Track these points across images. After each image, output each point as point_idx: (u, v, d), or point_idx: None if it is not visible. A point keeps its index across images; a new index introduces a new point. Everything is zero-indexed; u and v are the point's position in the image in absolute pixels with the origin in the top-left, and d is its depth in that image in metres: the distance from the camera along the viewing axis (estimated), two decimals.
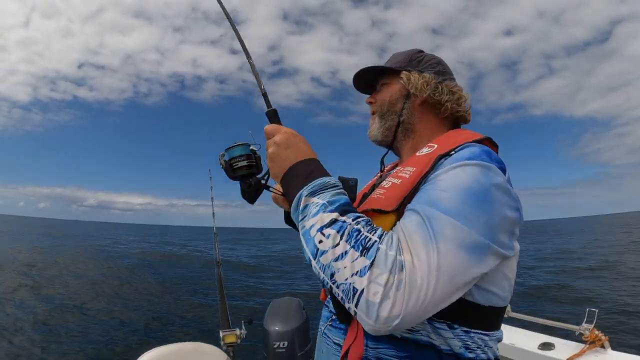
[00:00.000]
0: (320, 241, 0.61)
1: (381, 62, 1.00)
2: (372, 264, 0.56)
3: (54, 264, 13.18)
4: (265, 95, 0.90)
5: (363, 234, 0.59)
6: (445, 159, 0.72)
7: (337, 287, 0.59)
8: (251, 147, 0.88)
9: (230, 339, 2.26)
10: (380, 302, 0.55)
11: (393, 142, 0.95)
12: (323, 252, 0.60)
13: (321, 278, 0.62)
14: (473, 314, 0.69)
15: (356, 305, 0.57)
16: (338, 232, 0.60)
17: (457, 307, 0.63)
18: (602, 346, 1.95)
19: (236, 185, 0.88)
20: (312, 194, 0.67)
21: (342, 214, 0.63)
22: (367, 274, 0.56)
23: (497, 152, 0.79)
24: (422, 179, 0.71)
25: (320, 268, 0.61)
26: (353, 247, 0.58)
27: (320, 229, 0.61)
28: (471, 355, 0.69)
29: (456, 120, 0.94)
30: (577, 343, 2.02)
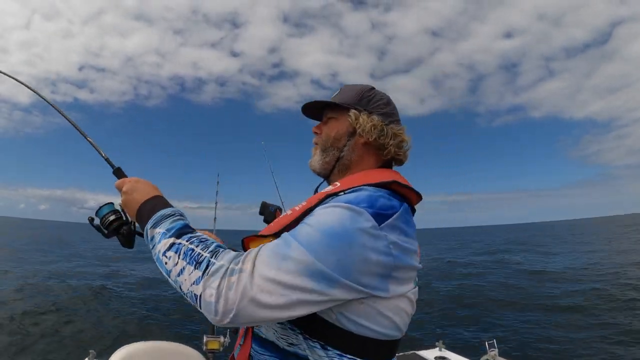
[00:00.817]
0: (166, 263, 0.74)
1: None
2: (203, 273, 0.68)
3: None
4: (107, 159, 1.10)
5: (196, 251, 0.71)
6: (332, 198, 0.79)
7: (186, 296, 0.71)
8: (116, 205, 1.01)
9: (213, 345, 2.25)
10: (216, 301, 0.66)
11: (330, 175, 1.00)
12: (170, 271, 0.73)
13: (178, 292, 0.74)
14: (345, 340, 0.76)
15: (200, 307, 0.69)
16: (176, 252, 0.73)
17: (326, 329, 0.76)
18: None
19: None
20: (155, 225, 0.80)
21: (178, 237, 0.75)
22: (202, 282, 0.67)
23: (401, 191, 0.85)
24: (306, 213, 0.79)
25: (173, 284, 0.74)
26: (188, 263, 0.70)
27: (164, 253, 0.74)
28: None
29: (393, 160, 1.00)
30: None
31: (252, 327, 0.87)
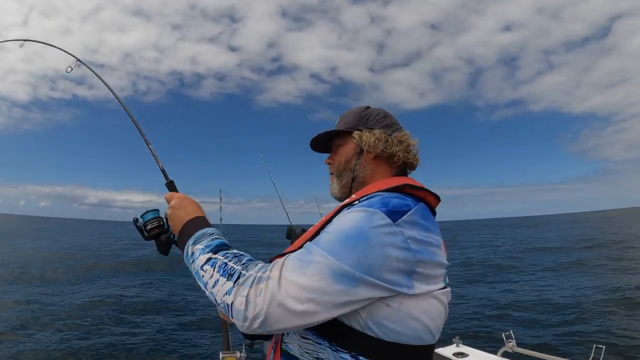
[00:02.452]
0: (203, 276, 0.81)
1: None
2: (234, 284, 0.74)
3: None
4: (163, 170, 1.21)
5: (229, 265, 0.78)
6: (348, 208, 0.83)
7: (220, 307, 0.78)
8: (161, 213, 1.11)
9: None
10: (245, 308, 0.71)
11: (350, 195, 1.02)
12: (206, 284, 0.80)
13: (214, 304, 0.80)
14: (375, 348, 0.76)
15: (232, 316, 0.74)
16: (212, 266, 0.80)
17: (356, 338, 0.76)
18: None
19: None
20: (195, 242, 0.89)
21: (215, 252, 0.83)
22: (233, 292, 0.73)
23: (415, 193, 0.87)
24: (325, 224, 0.83)
25: (210, 296, 0.80)
26: (222, 275, 0.77)
27: (202, 267, 0.82)
28: None
29: (406, 166, 1.04)
30: None
31: (281, 343, 0.88)
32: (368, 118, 1.03)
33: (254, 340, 0.98)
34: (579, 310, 7.41)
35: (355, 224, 0.76)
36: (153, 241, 1.11)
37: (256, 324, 0.71)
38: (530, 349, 2.38)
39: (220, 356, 2.26)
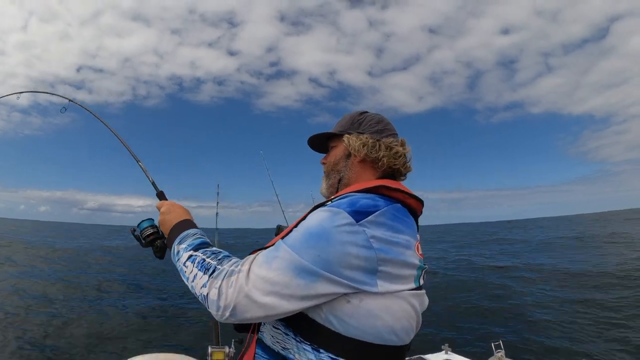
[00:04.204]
0: (185, 271, 0.91)
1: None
2: (209, 277, 0.83)
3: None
4: (153, 183, 1.36)
5: (207, 261, 0.87)
6: (320, 208, 0.88)
7: (198, 298, 0.85)
8: (155, 222, 1.22)
9: (218, 356, 2.24)
10: (218, 298, 0.79)
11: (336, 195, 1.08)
12: (187, 278, 0.89)
13: (194, 296, 0.87)
14: (336, 342, 0.80)
15: (207, 306, 0.82)
16: (192, 262, 0.90)
17: (317, 330, 0.81)
18: None
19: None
20: (180, 242, 0.99)
21: (195, 250, 0.93)
22: (208, 284, 0.82)
23: (391, 194, 0.90)
24: (298, 224, 0.88)
25: (191, 289, 0.88)
26: (199, 270, 0.86)
27: (184, 263, 0.92)
28: None
29: (394, 172, 1.07)
30: None
31: (257, 332, 0.95)
32: (361, 123, 1.08)
33: (240, 332, 1.04)
34: (571, 322, 7.43)
35: (319, 222, 0.81)
36: (150, 248, 1.21)
37: (227, 313, 0.79)
38: None
39: (209, 350, 2.26)
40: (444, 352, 2.86)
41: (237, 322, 0.83)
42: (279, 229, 1.29)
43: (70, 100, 1.71)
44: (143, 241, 1.22)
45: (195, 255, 0.91)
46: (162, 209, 1.16)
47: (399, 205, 0.89)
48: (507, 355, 2.50)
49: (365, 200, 0.85)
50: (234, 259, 0.87)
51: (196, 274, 0.86)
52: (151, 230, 1.21)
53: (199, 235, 1.01)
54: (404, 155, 1.05)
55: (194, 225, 1.08)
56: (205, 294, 0.82)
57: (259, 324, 0.95)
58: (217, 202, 2.69)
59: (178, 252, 0.97)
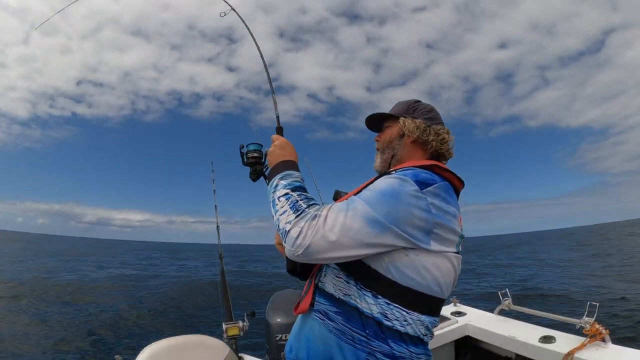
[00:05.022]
0: (277, 204, 0.99)
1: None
2: (296, 217, 0.92)
3: None
4: (277, 117, 1.38)
5: (299, 203, 0.96)
6: (385, 176, 1.01)
7: (279, 231, 0.95)
8: (264, 148, 1.29)
9: (233, 331, 2.25)
10: (297, 236, 0.89)
11: (389, 170, 1.19)
12: (277, 211, 0.97)
13: (276, 228, 0.98)
14: (392, 289, 0.95)
15: (284, 241, 0.92)
16: (286, 200, 0.97)
17: (377, 279, 0.95)
18: (603, 340, 1.92)
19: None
20: (282, 178, 1.05)
21: (293, 191, 1.00)
22: (293, 222, 0.91)
23: (442, 173, 1.05)
24: (365, 187, 1.02)
25: (275, 221, 0.97)
26: (290, 208, 0.95)
27: (279, 197, 1.00)
28: (388, 323, 0.94)
29: (439, 156, 1.21)
30: (578, 336, 2.01)
31: (318, 282, 1.07)
32: (415, 109, 1.23)
33: (301, 278, 1.18)
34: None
35: (390, 185, 0.94)
36: (248, 168, 1.29)
37: (300, 251, 0.89)
38: (526, 307, 2.43)
39: (224, 327, 2.29)
40: (452, 304, 2.92)
41: (305, 261, 0.93)
42: (337, 194, 1.34)
43: (231, 8, 1.77)
44: (245, 159, 1.29)
45: (291, 194, 0.98)
46: (276, 142, 1.20)
47: (448, 183, 1.03)
48: (514, 303, 2.55)
49: (424, 174, 0.99)
50: (318, 205, 0.96)
51: (286, 210, 0.94)
52: (256, 154, 1.28)
53: (300, 180, 1.07)
54: (448, 142, 1.20)
55: (297, 168, 1.13)
56: (287, 230, 0.91)
57: (318, 273, 1.08)
58: (214, 190, 2.63)
59: (277, 185, 1.04)
